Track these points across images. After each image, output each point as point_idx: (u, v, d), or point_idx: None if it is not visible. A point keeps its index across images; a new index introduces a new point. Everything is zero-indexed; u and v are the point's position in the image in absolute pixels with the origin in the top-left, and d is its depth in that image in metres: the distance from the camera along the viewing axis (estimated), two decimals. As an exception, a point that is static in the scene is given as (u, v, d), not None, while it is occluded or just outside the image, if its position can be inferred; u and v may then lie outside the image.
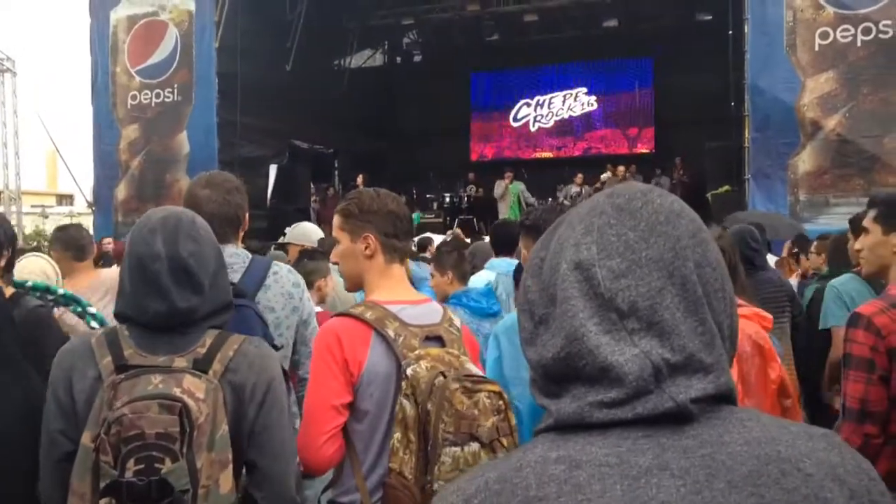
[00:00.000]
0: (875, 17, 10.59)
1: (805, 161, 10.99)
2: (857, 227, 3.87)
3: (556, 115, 19.05)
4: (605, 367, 0.83)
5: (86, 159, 15.82)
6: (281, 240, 6.13)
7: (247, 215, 2.85)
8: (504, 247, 5.50)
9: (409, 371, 2.04)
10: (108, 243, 11.16)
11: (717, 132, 13.67)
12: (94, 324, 3.01)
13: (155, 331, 1.85)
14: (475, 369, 2.15)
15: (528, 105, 19.21)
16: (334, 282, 4.31)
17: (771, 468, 0.80)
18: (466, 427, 1.99)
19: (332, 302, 4.42)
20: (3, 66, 18.36)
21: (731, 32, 12.61)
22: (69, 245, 4.22)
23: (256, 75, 14.81)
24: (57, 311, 2.97)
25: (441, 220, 15.98)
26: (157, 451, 1.69)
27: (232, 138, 14.39)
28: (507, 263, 5.38)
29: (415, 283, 4.10)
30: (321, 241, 5.09)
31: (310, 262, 4.24)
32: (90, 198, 16.45)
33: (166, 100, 14.67)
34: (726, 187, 12.65)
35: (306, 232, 5.31)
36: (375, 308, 2.20)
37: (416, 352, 2.11)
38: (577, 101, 18.86)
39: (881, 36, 10.60)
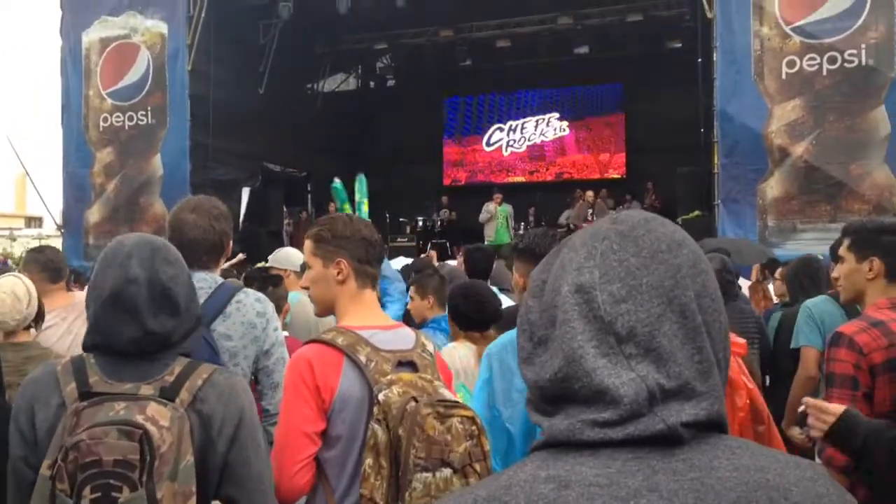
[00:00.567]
0: (840, 46, 10.81)
1: (773, 187, 11.14)
2: (834, 254, 3.97)
3: (529, 140, 19.18)
4: (602, 389, 0.84)
5: (55, 181, 15.59)
6: (263, 264, 6.08)
7: (231, 242, 2.85)
8: (479, 272, 5.51)
9: (380, 396, 2.04)
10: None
11: (687, 158, 13.83)
12: None
13: (123, 358, 1.82)
14: (448, 394, 2.15)
15: (501, 130, 19.33)
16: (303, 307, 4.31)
17: (759, 495, 0.81)
18: (438, 453, 1.99)
19: (312, 326, 4.40)
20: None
21: (700, 60, 12.81)
22: (46, 266, 4.19)
23: (229, 98, 14.78)
24: None
25: (414, 243, 15.97)
26: (115, 479, 1.63)
27: (205, 161, 14.33)
28: (481, 288, 5.37)
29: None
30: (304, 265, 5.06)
31: (276, 289, 4.26)
32: (59, 220, 16.26)
33: (140, 122, 14.58)
34: (696, 212, 12.78)
35: (289, 256, 5.27)
36: (347, 333, 2.19)
37: (388, 377, 2.10)
38: (549, 126, 19.01)
39: (846, 65, 10.81)
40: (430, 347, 2.35)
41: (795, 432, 3.76)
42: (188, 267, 1.99)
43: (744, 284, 6.41)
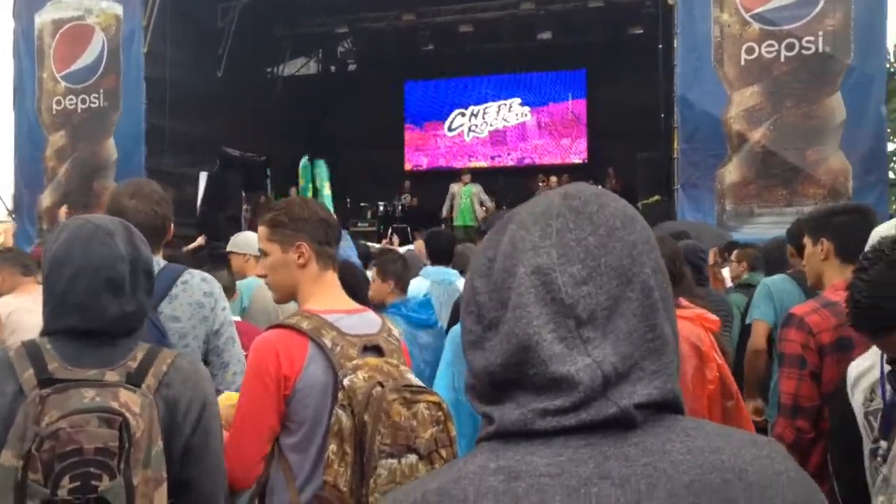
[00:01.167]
0: (798, 33, 10.93)
1: (731, 172, 11.27)
2: (791, 237, 4.11)
3: (491, 126, 19.16)
4: (557, 378, 0.81)
5: (6, 166, 15.25)
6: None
7: (171, 225, 2.82)
8: (440, 255, 5.49)
9: (345, 381, 2.00)
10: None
11: (647, 143, 13.91)
12: None
13: (82, 343, 1.76)
14: (415, 379, 2.12)
15: (463, 115, 19.28)
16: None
17: (713, 477, 0.79)
18: (404, 439, 1.96)
19: (271, 311, 4.34)
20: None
21: (661, 46, 12.88)
22: (17, 262, 4.59)
23: (186, 81, 14.51)
24: None
25: (375, 228, 15.91)
26: (95, 468, 1.60)
27: (160, 145, 14.07)
28: (443, 272, 5.37)
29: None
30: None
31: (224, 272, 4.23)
32: (10, 205, 15.90)
33: (92, 105, 14.27)
34: (656, 197, 12.89)
35: (249, 241, 5.19)
36: (312, 318, 2.15)
37: (354, 362, 2.07)
38: (511, 112, 19.01)
39: (804, 52, 10.94)
40: (396, 332, 2.32)
41: (749, 406, 3.84)
42: None
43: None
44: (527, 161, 18.83)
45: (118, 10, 14.11)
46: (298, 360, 2.09)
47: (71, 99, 14.39)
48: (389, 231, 15.42)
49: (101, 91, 14.19)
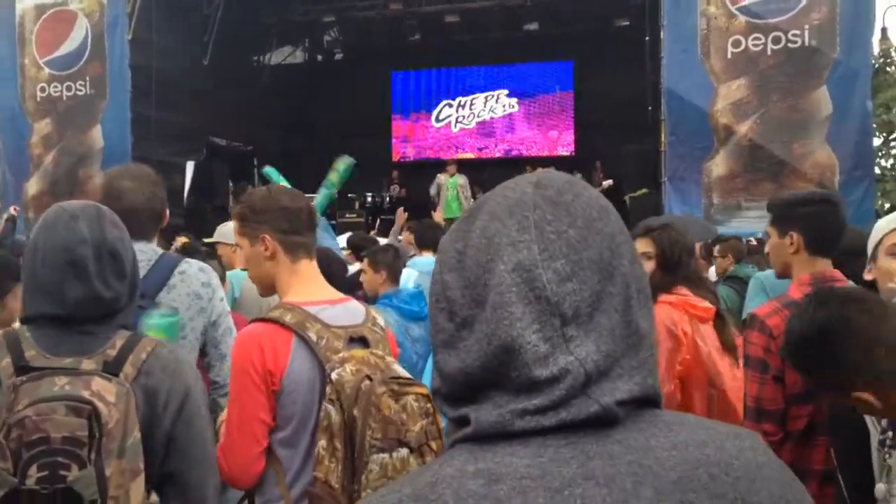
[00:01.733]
0: (784, 26, 10.96)
1: (718, 165, 11.29)
2: None
3: (478, 117, 19.11)
4: (540, 380, 0.78)
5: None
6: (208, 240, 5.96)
7: (167, 211, 2.78)
8: (427, 243, 5.49)
9: (333, 375, 1.97)
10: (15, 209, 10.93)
11: (634, 136, 13.92)
12: None
13: (61, 331, 1.74)
14: (401, 370, 2.10)
15: (450, 106, 19.22)
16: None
17: (700, 472, 0.78)
18: (394, 433, 1.94)
19: (262, 302, 4.32)
20: None
21: (647, 38, 12.87)
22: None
23: (172, 70, 14.37)
24: None
25: (363, 219, 15.84)
26: (63, 457, 1.57)
27: (147, 133, 13.94)
28: (431, 262, 5.36)
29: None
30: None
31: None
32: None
33: (78, 93, 14.13)
34: (644, 190, 12.90)
35: None
36: (294, 310, 2.11)
37: (341, 354, 2.04)
38: (498, 103, 18.96)
39: (790, 45, 10.97)
40: (381, 321, 2.30)
41: None
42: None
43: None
44: (514, 153, 18.80)
45: (102, -5, 13.97)
46: (283, 355, 2.06)
47: (56, 86, 14.24)
48: (377, 223, 15.36)
49: (87, 78, 14.04)
